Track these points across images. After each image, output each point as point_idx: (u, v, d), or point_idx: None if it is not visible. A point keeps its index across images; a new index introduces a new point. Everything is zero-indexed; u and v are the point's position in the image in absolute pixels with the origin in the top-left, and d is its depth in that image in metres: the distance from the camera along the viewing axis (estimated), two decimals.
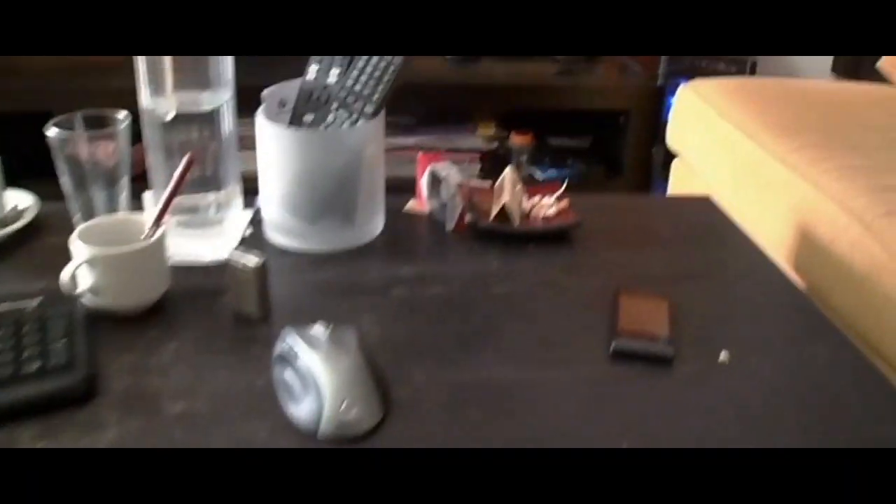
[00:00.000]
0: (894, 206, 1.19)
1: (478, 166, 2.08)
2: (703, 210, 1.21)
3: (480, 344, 0.85)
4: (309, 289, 0.95)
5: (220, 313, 0.89)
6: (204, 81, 0.96)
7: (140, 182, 0.99)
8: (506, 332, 0.87)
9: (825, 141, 1.43)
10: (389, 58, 1.02)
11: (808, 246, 1.29)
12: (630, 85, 2.15)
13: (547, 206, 1.12)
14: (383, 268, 0.99)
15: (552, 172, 2.15)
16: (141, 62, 0.93)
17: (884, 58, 1.91)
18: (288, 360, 0.76)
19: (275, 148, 0.99)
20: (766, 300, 0.97)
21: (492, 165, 2.10)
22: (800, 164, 1.37)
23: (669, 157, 1.90)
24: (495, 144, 2.15)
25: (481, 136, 2.11)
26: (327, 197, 1.01)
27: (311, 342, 0.76)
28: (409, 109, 2.06)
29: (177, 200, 0.91)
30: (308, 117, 1.05)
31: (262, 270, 0.87)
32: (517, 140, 2.11)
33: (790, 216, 1.33)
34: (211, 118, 0.96)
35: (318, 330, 0.78)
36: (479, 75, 2.09)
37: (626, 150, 2.18)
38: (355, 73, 1.02)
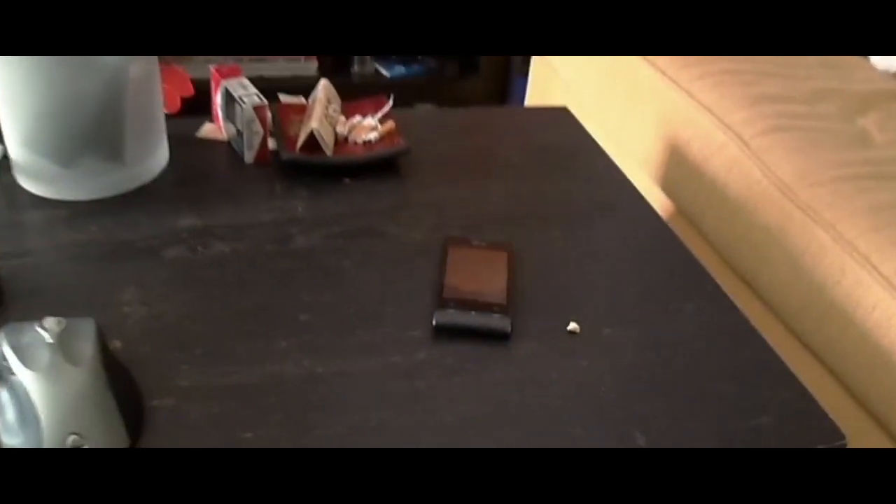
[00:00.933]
0: (775, 122, 1.05)
1: (314, 65, 1.86)
2: (560, 125, 1.05)
3: (270, 325, 0.68)
4: (60, 254, 0.75)
5: None
6: None
7: None
8: (305, 306, 0.70)
9: None
10: None
11: (679, 164, 1.14)
12: None
13: (368, 128, 0.93)
14: (159, 219, 0.79)
15: (399, 70, 1.94)
16: None
17: None
18: (1, 375, 0.57)
19: (8, 71, 0.77)
20: (628, 246, 0.82)
21: (332, 62, 1.88)
22: (670, 68, 1.22)
23: None
24: None
25: None
26: (84, 132, 0.79)
27: (30, 351, 0.57)
28: None
29: None
30: None
31: None
32: None
33: (660, 129, 1.18)
34: None
35: (44, 330, 0.58)
36: None
37: None
38: None
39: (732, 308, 0.75)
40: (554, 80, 1.59)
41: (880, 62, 1.32)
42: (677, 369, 0.67)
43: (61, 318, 0.60)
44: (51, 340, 0.57)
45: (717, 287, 0.77)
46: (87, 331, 0.59)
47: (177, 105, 1.64)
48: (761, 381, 0.67)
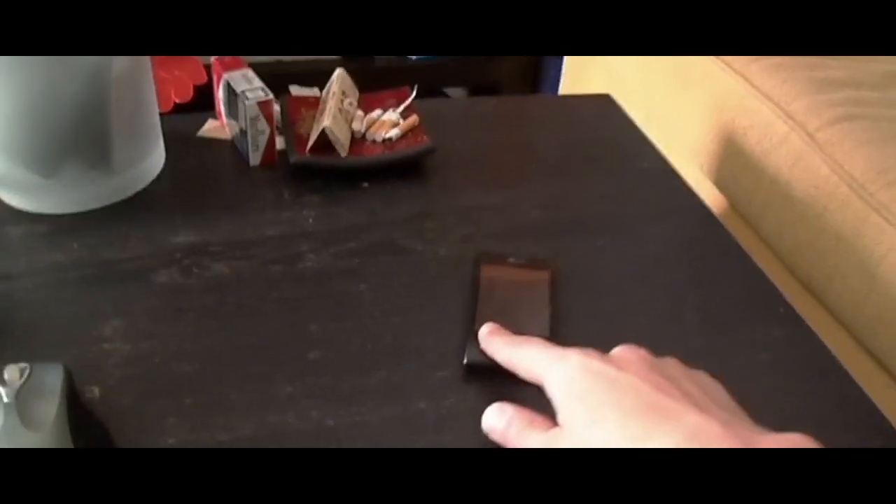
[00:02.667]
0: (844, 110, 0.93)
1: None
2: (602, 115, 0.94)
3: (273, 366, 0.58)
4: (35, 280, 0.65)
5: None
6: None
7: None
8: (315, 342, 0.60)
9: None
10: None
11: (734, 158, 1.02)
12: None
13: (389, 124, 0.83)
14: (151, 235, 0.70)
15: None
16: None
17: None
18: None
19: None
20: (687, 260, 0.72)
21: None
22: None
23: None
24: None
25: None
26: (65, 138, 0.70)
27: None
28: None
29: None
30: None
31: None
32: None
33: (713, 117, 1.07)
34: None
35: (3, 384, 0.49)
36: None
37: None
38: None
39: (812, 336, 0.64)
40: (592, 61, 1.47)
41: None
42: (750, 410, 0.57)
43: (25, 365, 0.51)
44: (7, 400, 0.48)
45: (792, 311, 0.66)
46: (53, 382, 0.50)
47: (169, 104, 1.55)
48: (848, 423, 0.57)
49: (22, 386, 0.49)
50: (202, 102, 1.32)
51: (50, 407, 0.48)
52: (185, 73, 1.60)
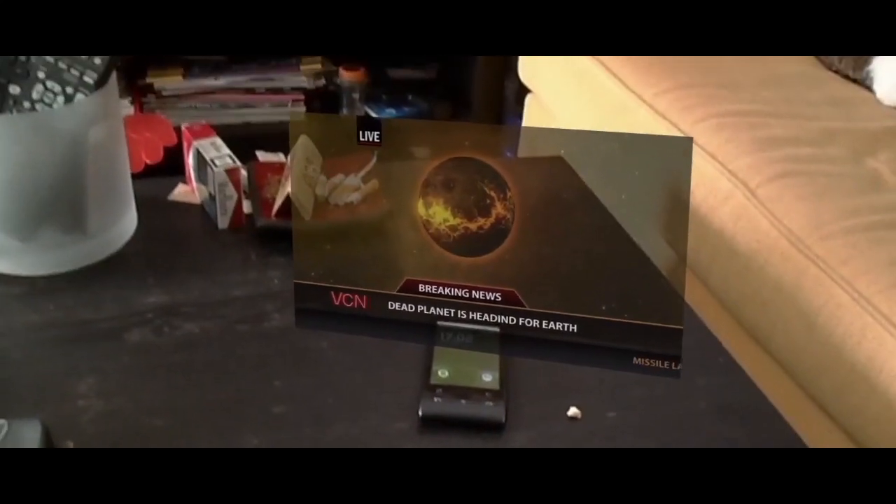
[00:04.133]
0: (783, 167, 0.99)
1: (302, 109, 1.80)
2: (555, 177, 0.98)
3: (240, 420, 0.61)
4: (12, 339, 0.68)
5: None
6: None
7: None
8: (279, 397, 0.64)
9: (700, 79, 1.22)
10: None
11: None
12: None
13: (350, 188, 0.87)
14: (123, 296, 0.73)
15: (390, 112, 1.88)
16: None
17: None
18: None
19: None
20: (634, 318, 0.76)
21: (321, 107, 1.82)
22: (671, 111, 1.16)
23: (524, 90, 1.66)
24: (322, 82, 1.87)
25: (306, 73, 1.83)
26: (41, 203, 0.73)
27: None
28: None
29: None
30: (14, 89, 0.76)
31: None
32: (347, 76, 1.84)
33: None
34: None
35: None
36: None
37: (475, 84, 1.94)
38: None
39: (749, 383, 0.69)
40: (548, 120, 1.53)
41: (886, 97, 1.26)
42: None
43: (3, 422, 0.54)
44: None
45: (730, 359, 0.71)
46: (31, 436, 0.54)
47: (140, 165, 1.58)
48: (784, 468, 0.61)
49: (2, 439, 0.52)
50: (172, 164, 1.36)
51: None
52: (155, 134, 1.64)
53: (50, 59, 0.73)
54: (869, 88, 1.27)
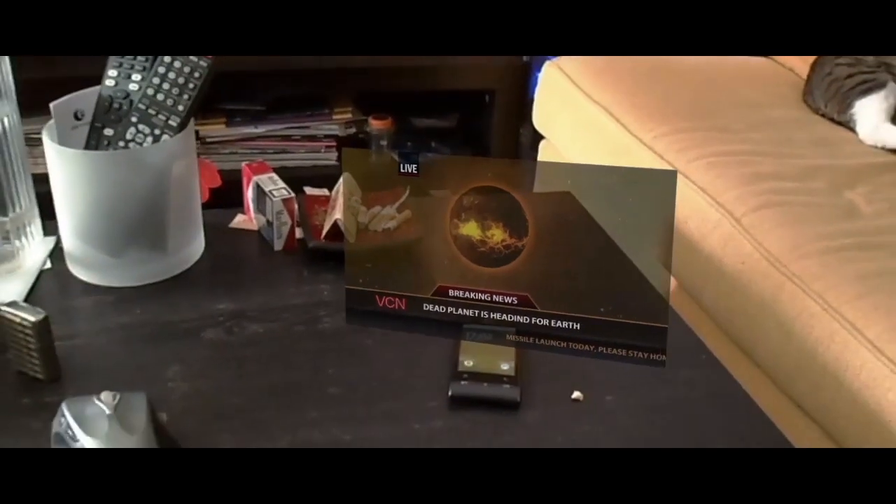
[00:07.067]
0: (766, 199, 1.13)
1: (334, 154, 1.95)
2: (563, 206, 1.12)
3: (301, 398, 0.75)
4: (110, 336, 0.82)
5: (3, 372, 0.76)
6: None
7: None
8: (333, 382, 0.77)
9: (696, 124, 1.36)
10: (195, 60, 0.89)
11: (677, 242, 1.21)
12: (494, 61, 2.05)
13: (387, 217, 1.01)
14: (198, 303, 0.87)
15: (415, 157, 2.04)
16: None
17: None
18: (66, 441, 0.64)
19: (64, 172, 0.86)
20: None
21: None
22: (668, 152, 1.30)
23: (538, 136, 1.81)
24: (353, 129, 2.03)
25: (338, 122, 1.99)
26: (131, 225, 0.88)
27: (90, 421, 0.64)
28: (256, 97, 1.92)
29: None
30: (109, 131, 0.91)
31: (42, 326, 0.74)
32: (376, 124, 1.99)
33: None
34: None
35: (102, 403, 0.66)
36: (333, 56, 1.95)
37: (492, 131, 2.09)
38: (156, 79, 0.89)
39: (725, 374, 0.81)
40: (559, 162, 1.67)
41: (867, 137, 1.38)
42: (674, 431, 0.74)
43: (116, 392, 0.67)
44: (109, 412, 0.64)
45: (710, 355, 0.84)
46: (139, 404, 0.67)
47: (206, 195, 1.73)
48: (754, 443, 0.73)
49: (116, 405, 0.66)
50: (214, 203, 1.51)
51: (139, 419, 0.65)
52: (202, 177, 1.79)
53: (142, 106, 0.88)
54: (852, 130, 1.40)
